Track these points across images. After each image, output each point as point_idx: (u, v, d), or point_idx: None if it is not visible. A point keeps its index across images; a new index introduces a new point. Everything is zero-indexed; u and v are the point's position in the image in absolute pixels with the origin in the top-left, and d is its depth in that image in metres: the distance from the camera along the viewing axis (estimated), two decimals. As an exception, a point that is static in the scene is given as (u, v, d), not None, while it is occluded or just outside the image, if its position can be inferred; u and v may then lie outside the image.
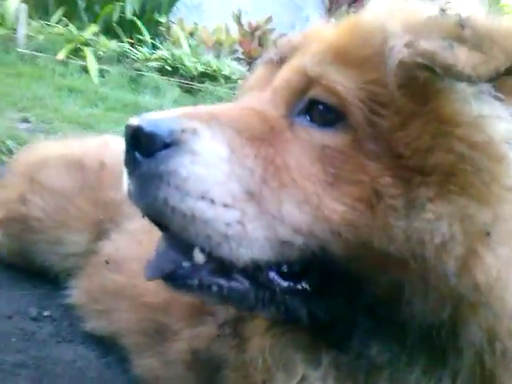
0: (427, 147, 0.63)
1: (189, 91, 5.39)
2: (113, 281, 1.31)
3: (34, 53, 6.13)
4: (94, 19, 6.56)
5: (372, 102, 0.65)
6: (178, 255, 0.69)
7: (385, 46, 0.66)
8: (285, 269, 0.70)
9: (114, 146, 1.70)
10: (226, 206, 0.63)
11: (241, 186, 0.64)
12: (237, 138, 0.66)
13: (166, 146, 0.64)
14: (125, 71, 5.60)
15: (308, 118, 0.70)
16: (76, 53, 5.91)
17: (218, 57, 6.36)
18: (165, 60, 5.60)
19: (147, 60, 5.66)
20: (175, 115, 0.67)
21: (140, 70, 5.57)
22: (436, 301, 0.63)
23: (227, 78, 5.84)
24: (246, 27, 6.93)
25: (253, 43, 6.69)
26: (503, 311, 0.62)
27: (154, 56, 5.72)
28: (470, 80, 0.62)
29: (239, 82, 5.91)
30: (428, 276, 0.62)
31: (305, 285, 0.70)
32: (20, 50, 6.17)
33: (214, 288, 0.69)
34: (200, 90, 5.39)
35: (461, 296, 0.62)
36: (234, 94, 5.41)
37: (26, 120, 3.78)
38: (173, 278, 0.70)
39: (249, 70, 6.42)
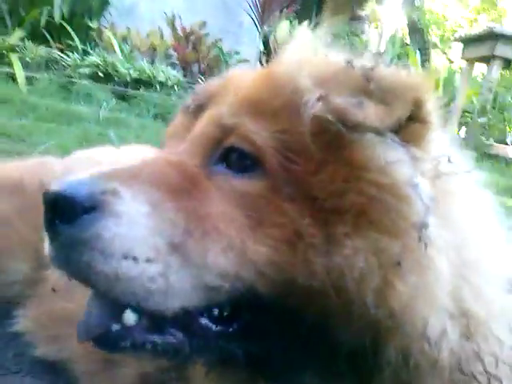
0: (340, 190, 0.68)
1: (123, 98, 5.29)
2: (62, 308, 1.29)
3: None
4: (19, 23, 6.29)
5: (285, 149, 0.69)
6: (107, 317, 0.69)
7: (295, 97, 0.71)
8: (216, 313, 0.71)
9: (55, 166, 1.66)
10: (148, 261, 0.64)
11: (164, 239, 0.65)
12: (157, 194, 0.67)
13: (87, 210, 0.63)
14: (54, 78, 5.41)
15: (225, 165, 0.73)
16: (1, 59, 5.65)
17: (152, 62, 6.30)
18: (97, 66, 5.47)
19: (78, 66, 5.51)
20: (94, 176, 0.67)
21: (71, 77, 5.41)
22: (358, 327, 0.68)
23: (162, 84, 5.79)
24: (179, 32, 6.90)
25: (187, 48, 6.68)
26: (415, 332, 0.68)
27: (86, 62, 5.58)
28: (377, 132, 0.68)
29: (174, 87, 5.89)
30: (350, 306, 0.67)
31: (237, 326, 0.73)
32: None
33: (148, 346, 0.69)
34: (134, 97, 5.31)
35: (379, 322, 0.67)
36: (169, 99, 5.38)
37: None
38: (103, 342, 0.70)
39: (184, 76, 6.40)
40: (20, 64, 5.49)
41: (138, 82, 5.58)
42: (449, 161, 0.74)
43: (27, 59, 5.66)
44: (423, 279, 0.68)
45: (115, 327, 0.68)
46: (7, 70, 5.52)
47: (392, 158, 0.68)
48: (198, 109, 0.82)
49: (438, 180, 0.73)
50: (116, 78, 5.48)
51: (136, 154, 1.65)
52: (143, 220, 0.64)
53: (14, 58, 5.53)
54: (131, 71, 5.55)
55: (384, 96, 0.69)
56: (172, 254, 0.65)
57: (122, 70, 5.48)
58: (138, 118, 4.86)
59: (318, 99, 0.69)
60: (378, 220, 0.67)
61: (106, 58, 5.57)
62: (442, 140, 0.79)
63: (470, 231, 0.77)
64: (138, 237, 0.64)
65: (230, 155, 0.72)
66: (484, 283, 0.76)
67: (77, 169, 1.53)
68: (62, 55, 5.68)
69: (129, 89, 5.43)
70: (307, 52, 0.80)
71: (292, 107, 0.71)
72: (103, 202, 0.63)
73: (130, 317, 0.69)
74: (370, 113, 0.66)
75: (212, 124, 0.75)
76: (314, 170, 0.69)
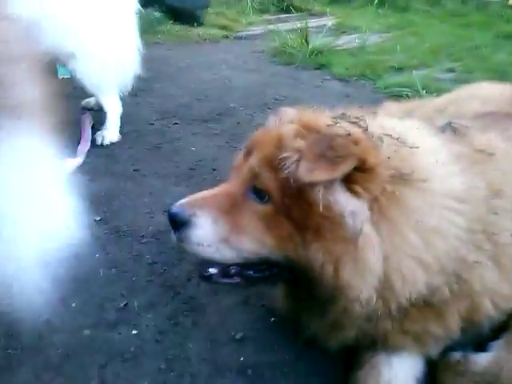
0: (304, 216, 1.11)
1: None
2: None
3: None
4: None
5: (282, 190, 1.14)
6: (205, 267, 1.30)
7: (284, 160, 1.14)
8: (256, 268, 1.26)
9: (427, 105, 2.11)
10: (210, 245, 1.21)
11: (218, 235, 1.20)
12: (216, 213, 1.22)
13: (182, 224, 1.21)
14: None
15: (255, 195, 1.20)
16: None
17: None
18: None
19: None
20: (186, 204, 1.25)
21: None
22: (323, 286, 1.13)
23: None
24: None
25: None
26: (352, 298, 1.13)
27: None
28: (325, 183, 1.09)
29: None
30: (318, 276, 1.12)
31: (268, 273, 1.27)
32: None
33: (223, 282, 1.30)
34: None
35: (336, 286, 1.12)
36: None
37: (451, 70, 4.41)
38: (204, 280, 1.32)
39: None
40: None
41: None
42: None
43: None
44: (358, 268, 1.10)
45: (208, 273, 1.29)
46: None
47: (333, 198, 1.10)
48: (248, 152, 1.30)
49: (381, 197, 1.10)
50: None
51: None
52: (207, 227, 1.21)
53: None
54: None
55: (335, 160, 1.07)
56: (222, 242, 1.21)
57: None
58: None
59: (293, 163, 1.12)
60: (326, 234, 1.11)
61: None
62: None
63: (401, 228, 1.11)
64: (203, 235, 1.21)
65: (256, 190, 1.19)
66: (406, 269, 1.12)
67: (448, 110, 1.99)
68: None
69: None
70: (308, 118, 1.24)
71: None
72: (189, 220, 1.22)
73: (212, 269, 1.28)
74: (318, 174, 1.07)
75: (249, 169, 1.23)
76: (292, 203, 1.13)
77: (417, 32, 5.76)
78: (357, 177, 1.09)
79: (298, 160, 1.10)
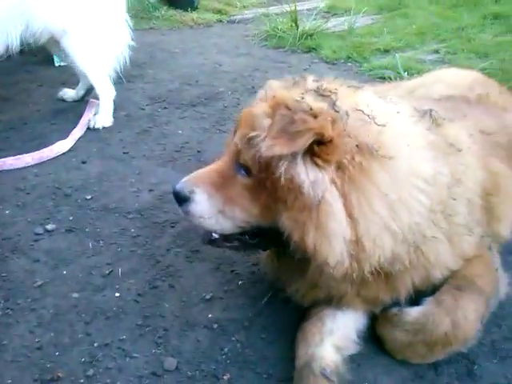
0: (275, 188, 1.23)
1: None
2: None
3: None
4: None
5: (257, 165, 1.27)
6: (210, 234, 1.48)
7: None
8: (249, 234, 1.43)
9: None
10: (209, 218, 1.38)
11: (215, 208, 1.36)
12: (211, 189, 1.37)
13: (184, 200, 1.38)
14: None
15: (241, 170, 1.33)
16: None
17: None
18: None
19: None
20: (186, 182, 1.40)
21: None
22: (298, 251, 1.28)
23: None
24: None
25: None
26: (321, 261, 1.24)
27: None
28: (287, 157, 1.20)
29: None
30: (291, 241, 1.25)
31: (258, 238, 1.45)
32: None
33: (225, 245, 1.50)
34: None
35: (305, 251, 1.25)
36: None
37: (436, 51, 4.52)
38: (210, 243, 1.51)
39: None
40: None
41: None
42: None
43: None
44: (320, 234, 1.21)
45: (212, 237, 1.48)
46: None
47: (295, 171, 1.21)
48: (235, 130, 1.41)
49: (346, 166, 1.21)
50: None
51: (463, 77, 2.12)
52: (205, 201, 1.37)
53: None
54: None
55: (294, 135, 1.18)
56: (219, 214, 1.37)
57: None
58: None
59: (260, 141, 1.24)
60: (292, 205, 1.23)
61: None
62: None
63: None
64: (203, 209, 1.38)
65: (241, 165, 1.33)
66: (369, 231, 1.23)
67: (417, 91, 2.17)
68: None
69: None
70: (277, 94, 1.33)
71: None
72: (189, 196, 1.38)
73: (215, 236, 1.47)
74: (277, 149, 1.18)
75: (234, 146, 1.37)
76: (266, 177, 1.26)
77: (406, 13, 5.82)
78: (318, 149, 1.20)
79: (265, 138, 1.22)
